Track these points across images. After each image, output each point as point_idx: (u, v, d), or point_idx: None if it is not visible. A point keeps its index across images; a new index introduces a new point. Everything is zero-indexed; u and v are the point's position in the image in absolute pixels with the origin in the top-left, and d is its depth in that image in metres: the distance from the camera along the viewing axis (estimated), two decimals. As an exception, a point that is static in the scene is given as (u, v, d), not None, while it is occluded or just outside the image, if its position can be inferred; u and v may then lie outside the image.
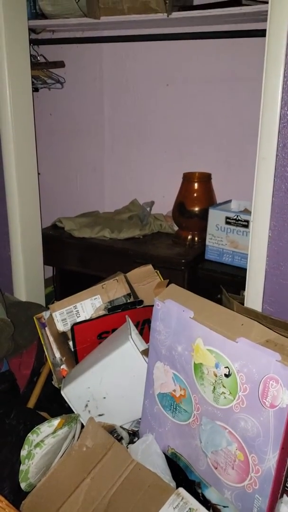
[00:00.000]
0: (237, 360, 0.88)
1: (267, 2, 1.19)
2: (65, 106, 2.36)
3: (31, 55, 2.11)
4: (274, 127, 1.25)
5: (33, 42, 2.17)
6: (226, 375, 0.90)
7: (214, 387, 0.93)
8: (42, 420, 1.23)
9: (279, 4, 1.16)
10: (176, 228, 2.04)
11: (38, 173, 1.86)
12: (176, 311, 1.01)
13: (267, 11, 1.18)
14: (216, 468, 0.96)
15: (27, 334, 1.55)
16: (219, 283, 1.67)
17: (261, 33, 1.24)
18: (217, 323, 0.93)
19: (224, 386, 0.91)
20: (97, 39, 2.08)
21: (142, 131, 2.22)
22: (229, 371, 0.90)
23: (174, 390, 1.05)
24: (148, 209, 2.12)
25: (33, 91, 2.25)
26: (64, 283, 2.21)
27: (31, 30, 2.14)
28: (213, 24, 1.79)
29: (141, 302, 1.34)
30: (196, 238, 1.94)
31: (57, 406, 1.35)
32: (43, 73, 2.15)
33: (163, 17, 1.63)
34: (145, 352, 1.15)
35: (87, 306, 1.35)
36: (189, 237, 1.94)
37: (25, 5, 1.63)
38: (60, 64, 2.21)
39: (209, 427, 0.96)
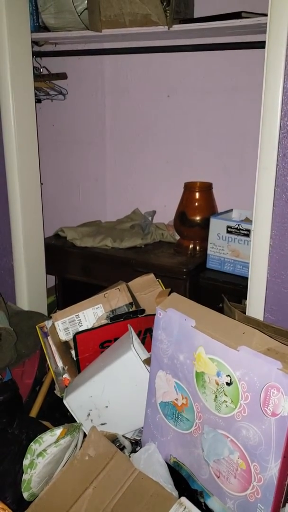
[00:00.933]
0: (238, 368, 0.89)
1: (266, 15, 1.21)
2: (67, 117, 2.38)
3: (34, 67, 2.14)
4: (274, 137, 1.27)
5: (36, 54, 2.20)
6: (228, 384, 0.91)
7: (216, 395, 0.93)
8: (45, 429, 1.24)
9: (278, 17, 1.18)
10: (177, 237, 2.05)
11: (41, 183, 1.88)
12: (177, 320, 1.02)
13: (266, 23, 1.20)
14: (218, 477, 0.96)
15: (30, 343, 1.55)
16: (221, 292, 1.67)
17: (261, 44, 1.26)
18: (219, 332, 0.93)
19: (225, 395, 0.91)
20: (98, 51, 2.11)
21: (144, 141, 2.24)
22: (230, 380, 0.90)
23: (176, 399, 1.05)
24: (149, 218, 2.13)
25: (36, 102, 2.28)
26: (66, 293, 2.22)
27: (34, 42, 2.16)
28: (213, 36, 1.81)
29: (142, 311, 1.35)
30: (197, 247, 1.94)
31: (59, 415, 1.35)
32: (46, 84, 2.18)
33: (164, 30, 1.65)
34: (147, 361, 1.16)
35: (89, 315, 1.36)
36: (191, 246, 1.95)
37: (28, 19, 1.65)
38: (63, 76, 2.23)
39: (211, 436, 0.96)
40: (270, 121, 1.26)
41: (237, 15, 1.53)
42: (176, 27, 1.64)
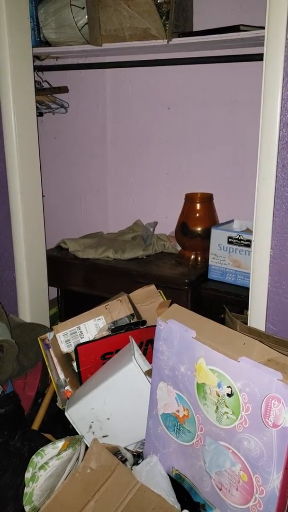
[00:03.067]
0: (239, 379, 0.89)
1: (264, 28, 1.22)
2: (69, 130, 2.40)
3: (35, 81, 2.16)
4: (273, 148, 1.27)
5: (37, 69, 2.22)
6: (229, 395, 0.90)
7: (217, 407, 0.93)
8: (47, 442, 1.23)
9: (275, 29, 1.19)
10: (179, 248, 2.05)
11: (43, 196, 1.89)
12: (178, 331, 1.02)
13: (264, 36, 1.21)
14: (220, 490, 0.96)
15: (32, 355, 1.55)
16: (223, 303, 1.67)
17: (259, 57, 1.27)
18: (219, 343, 0.93)
19: (226, 406, 0.91)
20: (99, 65, 2.13)
21: (145, 153, 2.26)
22: (231, 391, 0.90)
23: (178, 411, 1.05)
24: (151, 229, 2.14)
25: (37, 115, 2.30)
26: (69, 304, 2.22)
27: (36, 57, 2.19)
28: (211, 49, 1.83)
29: (144, 322, 1.35)
30: (199, 258, 1.95)
31: (61, 427, 1.35)
32: (47, 98, 2.20)
33: (164, 43, 1.67)
34: (148, 373, 1.15)
35: (91, 327, 1.36)
36: (192, 257, 1.95)
37: (30, 34, 1.68)
38: (64, 90, 2.25)
39: (212, 448, 0.96)
40: (269, 132, 1.27)
41: (235, 28, 1.54)
42: (175, 40, 1.65)
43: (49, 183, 2.51)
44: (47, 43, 1.97)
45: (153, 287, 1.45)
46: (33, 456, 1.15)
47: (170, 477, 1.08)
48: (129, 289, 1.48)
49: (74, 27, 1.84)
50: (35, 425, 1.39)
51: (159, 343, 1.07)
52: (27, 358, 1.56)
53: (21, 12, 1.62)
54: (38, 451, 1.16)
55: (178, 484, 1.07)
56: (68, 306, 2.22)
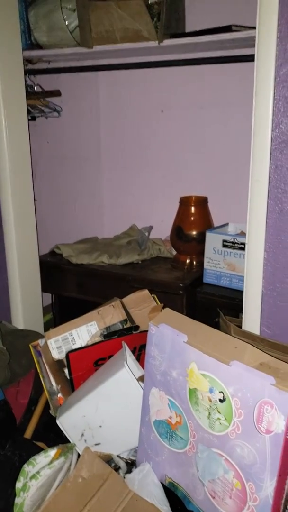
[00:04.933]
0: (231, 384, 0.86)
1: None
2: (62, 134, 2.38)
3: (28, 85, 2.15)
4: (266, 149, 1.26)
5: (29, 72, 2.21)
6: (221, 400, 0.88)
7: (209, 412, 0.91)
8: (38, 450, 1.21)
9: (266, 29, 1.18)
10: (174, 252, 2.03)
11: (35, 200, 1.87)
12: (170, 335, 0.99)
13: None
14: (213, 498, 0.93)
15: (25, 362, 1.53)
16: (218, 306, 1.65)
17: (252, 58, 1.26)
18: (211, 347, 0.91)
19: (219, 412, 0.89)
20: (92, 67, 2.12)
21: (139, 156, 2.24)
22: (223, 396, 0.87)
23: (170, 417, 1.03)
24: (146, 234, 2.12)
25: (30, 119, 2.29)
26: (64, 310, 2.20)
27: (28, 60, 2.17)
28: (205, 50, 1.82)
29: (137, 327, 1.33)
30: (194, 262, 1.93)
31: (54, 435, 1.32)
32: (40, 102, 2.18)
33: (155, 45, 1.65)
34: (141, 379, 1.13)
35: (83, 332, 1.34)
36: (187, 261, 1.93)
37: (19, 37, 1.66)
38: (56, 93, 2.24)
39: (205, 455, 0.94)
40: (261, 133, 1.25)
41: (227, 29, 1.53)
42: (167, 42, 1.64)
43: (43, 187, 2.49)
44: (39, 46, 1.96)
45: (146, 292, 1.43)
46: (24, 465, 1.13)
47: (163, 486, 1.06)
48: (124, 294, 1.46)
49: (65, 30, 1.83)
50: (28, 433, 1.37)
51: (151, 348, 1.04)
52: (19, 365, 1.53)
53: (10, 15, 1.61)
54: (30, 460, 1.14)
55: (171, 492, 1.05)
56: (62, 312, 2.20)
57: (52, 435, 1.33)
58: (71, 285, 2.05)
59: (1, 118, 1.64)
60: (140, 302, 1.41)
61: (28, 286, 1.86)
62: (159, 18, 1.63)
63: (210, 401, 0.90)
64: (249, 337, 1.28)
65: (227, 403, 0.87)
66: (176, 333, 0.98)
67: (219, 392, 0.88)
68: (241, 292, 1.44)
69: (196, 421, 0.94)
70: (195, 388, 0.93)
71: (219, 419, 0.89)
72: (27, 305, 1.87)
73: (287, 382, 0.79)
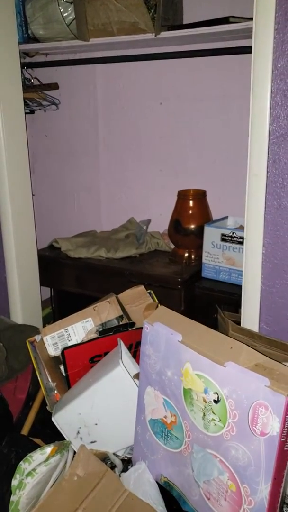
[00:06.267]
0: (225, 385, 0.85)
1: (253, 19, 1.18)
2: (60, 127, 2.36)
3: (25, 78, 2.13)
4: (264, 143, 1.24)
5: (27, 66, 2.19)
6: (215, 401, 0.87)
7: (204, 413, 0.90)
8: (35, 447, 1.20)
9: (263, 20, 1.15)
10: (173, 246, 2.02)
11: (33, 195, 1.85)
12: (164, 334, 0.98)
13: (252, 27, 1.17)
14: (209, 499, 0.92)
15: (22, 357, 1.52)
16: (217, 302, 1.64)
17: (250, 49, 1.23)
18: (206, 347, 0.90)
19: (213, 413, 0.88)
20: (90, 60, 2.09)
21: (137, 149, 2.22)
22: (218, 397, 0.86)
23: (165, 416, 1.02)
24: (144, 227, 2.10)
25: (28, 113, 2.27)
26: (63, 304, 2.19)
27: (25, 53, 2.15)
28: (202, 42, 1.79)
29: (133, 324, 1.31)
30: (192, 256, 1.91)
31: (51, 432, 1.31)
32: (38, 95, 2.16)
33: (151, 37, 1.63)
34: (137, 376, 1.12)
35: (79, 329, 1.33)
36: (186, 255, 1.92)
37: (16, 30, 1.63)
38: (54, 86, 2.21)
39: (200, 455, 0.93)
40: (258, 127, 1.23)
41: (225, 20, 1.50)
42: (164, 34, 1.61)
43: (41, 181, 2.48)
44: (35, 39, 1.93)
45: (142, 287, 1.41)
46: (20, 462, 1.12)
47: (159, 485, 1.05)
48: (122, 288, 1.45)
49: (62, 23, 1.80)
50: (25, 430, 1.36)
51: (145, 347, 1.03)
52: (17, 360, 1.53)
53: (6, 7, 1.58)
54: (26, 457, 1.13)
55: (167, 491, 1.04)
56: (62, 307, 2.19)
57: (49, 431, 1.32)
58: (70, 279, 2.05)
59: (-3, 112, 1.62)
60: (136, 298, 1.40)
61: (27, 281, 1.85)
62: (156, 10, 1.60)
63: (205, 401, 0.89)
64: (247, 334, 1.27)
65: (221, 404, 0.86)
66: (171, 332, 0.97)
67: (214, 393, 0.87)
68: (241, 287, 1.42)
69: (191, 421, 0.94)
70: (190, 388, 0.92)
71: (213, 420, 0.88)
72: (25, 299, 1.86)
73: (282, 384, 0.78)
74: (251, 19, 1.42)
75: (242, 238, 1.68)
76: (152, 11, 1.61)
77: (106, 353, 1.27)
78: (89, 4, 1.67)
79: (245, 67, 1.77)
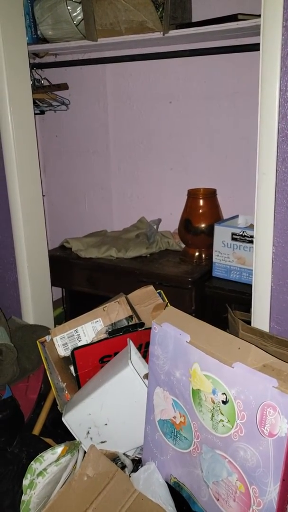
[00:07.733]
0: (233, 386, 0.85)
1: (261, 16, 1.17)
2: (70, 127, 2.37)
3: (35, 79, 2.14)
4: (273, 141, 1.23)
5: (37, 66, 2.20)
6: (224, 402, 0.87)
7: (212, 414, 0.89)
8: (46, 447, 1.21)
9: (272, 17, 1.14)
10: (183, 245, 2.01)
11: (43, 195, 1.86)
12: (173, 334, 0.98)
13: (260, 25, 1.16)
14: (218, 500, 0.92)
15: (34, 357, 1.53)
16: (227, 301, 1.63)
17: (259, 47, 1.22)
18: (214, 347, 0.90)
19: (222, 414, 0.87)
20: (99, 60, 2.09)
21: (148, 149, 2.21)
22: (226, 398, 0.86)
23: (174, 417, 1.01)
24: (155, 226, 2.10)
25: (39, 113, 2.28)
26: (74, 304, 2.20)
27: (35, 54, 2.16)
28: (211, 40, 1.78)
29: (142, 324, 1.31)
30: (203, 255, 1.90)
31: (62, 431, 1.32)
32: (48, 96, 2.17)
33: (160, 36, 1.62)
34: (147, 376, 1.12)
35: (88, 329, 1.33)
36: (196, 254, 1.91)
37: (24, 31, 1.64)
38: (64, 87, 2.22)
39: (209, 456, 0.92)
40: (267, 125, 1.22)
41: (233, 18, 1.49)
42: (172, 32, 1.61)
43: (52, 181, 2.49)
44: (45, 40, 1.94)
45: (151, 287, 1.41)
46: (31, 462, 1.13)
47: (168, 485, 1.05)
48: (133, 288, 1.44)
49: (70, 23, 1.80)
50: (36, 430, 1.37)
51: (154, 347, 1.03)
52: (29, 360, 1.54)
53: (15, 9, 1.59)
54: (37, 457, 1.13)
55: (176, 492, 1.04)
56: (73, 307, 2.20)
57: (60, 431, 1.33)
58: (80, 279, 2.05)
59: (7, 113, 1.63)
60: (146, 298, 1.40)
61: (38, 281, 1.86)
62: (164, 8, 1.59)
63: (213, 402, 0.89)
64: (258, 334, 1.26)
65: (230, 405, 0.85)
66: (179, 333, 0.96)
67: (222, 393, 0.86)
68: (251, 286, 1.42)
69: (200, 422, 0.93)
70: (198, 389, 0.92)
71: (222, 420, 0.88)
72: (37, 299, 1.87)
73: (290, 385, 0.77)
74: (259, 16, 1.41)
75: (253, 237, 1.67)
76: (160, 9, 1.60)
77: (115, 354, 1.27)
78: (97, 4, 1.67)
79: (255, 64, 1.75)
